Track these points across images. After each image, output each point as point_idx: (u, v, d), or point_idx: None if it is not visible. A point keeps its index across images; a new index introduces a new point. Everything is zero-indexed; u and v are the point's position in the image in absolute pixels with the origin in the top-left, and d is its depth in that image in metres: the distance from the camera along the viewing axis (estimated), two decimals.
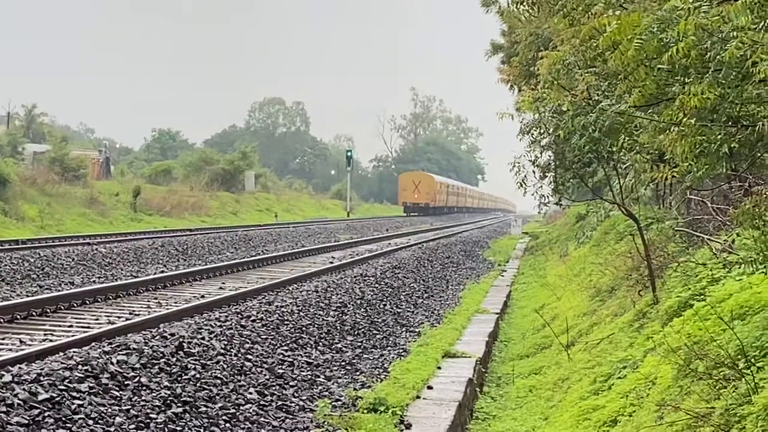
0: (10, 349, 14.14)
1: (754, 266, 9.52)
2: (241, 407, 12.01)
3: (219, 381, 12.70)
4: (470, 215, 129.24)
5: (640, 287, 17.17)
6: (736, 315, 9.76)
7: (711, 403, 8.01)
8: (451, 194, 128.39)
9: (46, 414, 9.74)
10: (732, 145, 8.74)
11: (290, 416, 12.23)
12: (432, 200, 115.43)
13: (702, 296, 11.93)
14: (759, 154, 10.02)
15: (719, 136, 8.70)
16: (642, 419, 9.49)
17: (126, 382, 11.45)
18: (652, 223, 21.35)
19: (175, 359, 12.89)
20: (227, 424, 11.30)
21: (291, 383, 13.98)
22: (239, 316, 17.33)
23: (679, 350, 9.45)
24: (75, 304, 19.51)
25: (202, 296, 22.01)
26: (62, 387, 10.56)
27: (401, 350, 17.67)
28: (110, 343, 13.23)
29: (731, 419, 7.34)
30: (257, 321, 17.16)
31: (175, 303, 20.59)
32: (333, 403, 12.75)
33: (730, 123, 8.66)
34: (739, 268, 11.15)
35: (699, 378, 8.70)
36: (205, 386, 12.25)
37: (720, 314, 9.70)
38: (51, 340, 14.95)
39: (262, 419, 11.81)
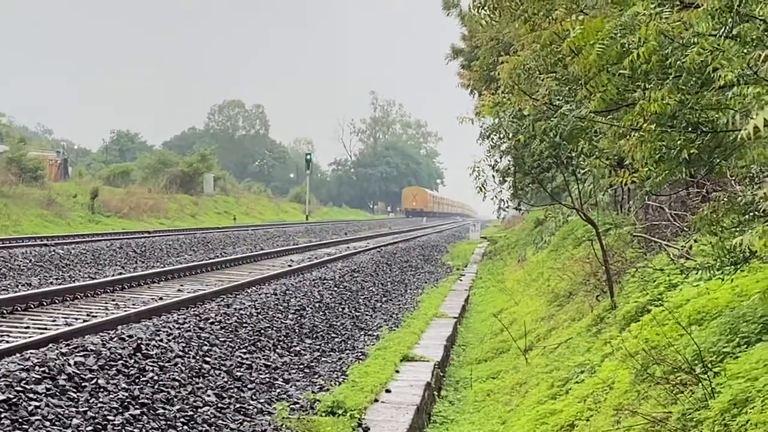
0: None
1: (711, 272, 9.57)
2: (199, 409, 11.96)
3: (177, 383, 12.64)
4: (429, 220, 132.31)
5: (598, 292, 17.25)
6: (693, 320, 9.83)
7: (668, 408, 8.04)
8: (435, 202, 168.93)
9: (2, 415, 9.65)
10: (691, 151, 8.79)
11: (248, 419, 12.20)
12: (425, 206, 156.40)
13: (659, 301, 12.00)
14: (717, 161, 10.08)
15: (679, 142, 8.74)
16: (599, 424, 9.52)
17: (83, 384, 11.38)
18: (610, 228, 21.44)
19: (132, 361, 12.82)
20: (185, 426, 11.24)
21: (249, 386, 13.96)
22: (197, 318, 17.27)
23: (637, 355, 9.50)
24: (32, 306, 19.39)
25: (161, 298, 21.90)
26: (19, 388, 10.47)
27: (360, 353, 17.67)
28: (67, 345, 13.14)
29: (688, 424, 7.38)
30: (216, 323, 17.10)
31: (133, 305, 20.49)
32: (291, 406, 12.76)
33: (689, 129, 8.70)
34: (697, 273, 11.21)
35: (656, 383, 8.74)
36: (163, 388, 12.19)
37: (677, 319, 9.77)
38: (8, 341, 14.83)
39: (220, 422, 11.77)
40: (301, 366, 16.27)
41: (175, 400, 11.98)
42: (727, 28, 7.33)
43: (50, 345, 13.58)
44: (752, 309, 8.61)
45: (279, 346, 17.40)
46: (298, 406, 12.95)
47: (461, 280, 35.76)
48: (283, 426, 11.74)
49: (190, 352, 14.47)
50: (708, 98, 8.26)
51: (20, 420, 9.74)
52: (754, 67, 7.14)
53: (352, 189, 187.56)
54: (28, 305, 19.28)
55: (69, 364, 11.79)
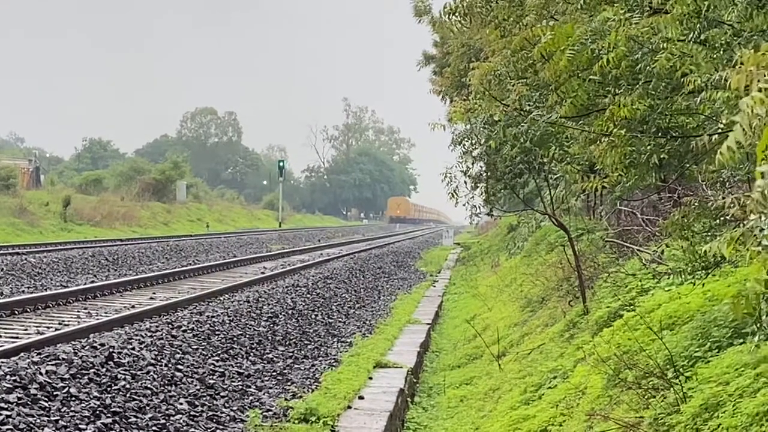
0: None
1: (683, 277, 9.59)
2: (172, 418, 11.90)
3: (149, 391, 12.58)
4: (402, 226, 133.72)
5: (570, 298, 17.26)
6: (665, 325, 9.83)
7: (640, 413, 8.05)
8: (416, 211, 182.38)
9: None
10: (661, 156, 8.81)
11: (221, 427, 12.15)
12: (407, 214, 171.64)
13: (631, 306, 12.00)
14: (687, 165, 10.11)
15: (649, 147, 8.77)
16: (572, 429, 9.53)
17: (55, 393, 11.32)
18: (582, 233, 21.46)
19: (104, 369, 12.77)
20: None
21: (222, 393, 13.89)
22: (170, 326, 17.21)
23: (609, 360, 9.50)
24: (4, 314, 19.24)
25: (133, 306, 21.78)
26: None
27: (333, 360, 17.63)
28: (39, 354, 13.08)
29: (660, 428, 7.38)
30: (188, 331, 17.04)
31: (106, 313, 20.35)
32: (264, 414, 12.71)
33: (659, 134, 8.72)
34: (668, 278, 11.23)
35: (628, 388, 8.75)
36: (135, 397, 12.13)
37: (649, 324, 9.77)
38: None
39: (193, 430, 11.72)
40: (274, 373, 16.22)
41: (147, 408, 11.92)
42: (696, 33, 7.36)
43: (22, 354, 13.52)
44: (723, 313, 8.61)
45: (252, 354, 17.35)
46: (270, 413, 12.91)
47: (434, 286, 35.79)
48: None
49: (162, 360, 14.41)
50: (678, 103, 8.29)
51: None
52: (723, 72, 7.17)
53: (326, 196, 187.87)
54: None
55: (41, 373, 11.74)
